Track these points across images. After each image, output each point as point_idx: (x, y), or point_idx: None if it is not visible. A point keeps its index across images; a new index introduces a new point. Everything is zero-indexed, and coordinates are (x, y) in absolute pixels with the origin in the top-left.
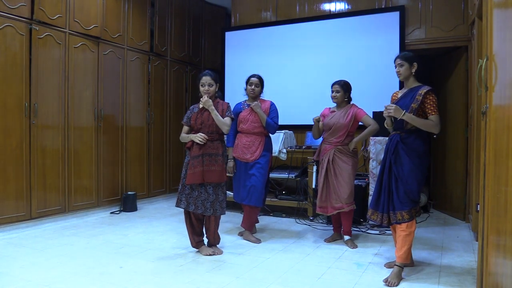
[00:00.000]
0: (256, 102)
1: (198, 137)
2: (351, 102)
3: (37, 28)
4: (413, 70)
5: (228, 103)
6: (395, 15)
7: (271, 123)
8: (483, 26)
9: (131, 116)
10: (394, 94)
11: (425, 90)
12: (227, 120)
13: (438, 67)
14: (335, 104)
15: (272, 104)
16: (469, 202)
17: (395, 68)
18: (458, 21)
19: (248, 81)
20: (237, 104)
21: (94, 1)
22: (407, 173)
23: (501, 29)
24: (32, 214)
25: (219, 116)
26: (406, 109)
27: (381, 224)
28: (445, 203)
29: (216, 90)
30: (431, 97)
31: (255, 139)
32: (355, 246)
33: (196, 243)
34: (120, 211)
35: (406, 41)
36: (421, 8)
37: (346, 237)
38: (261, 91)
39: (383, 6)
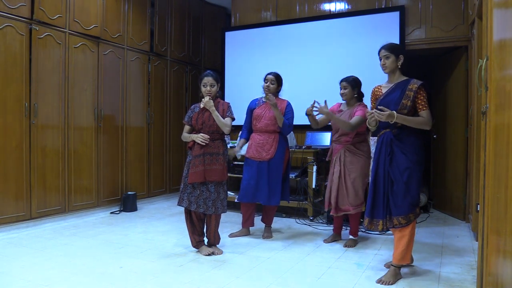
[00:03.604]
0: (272, 97)
1: (199, 138)
2: (363, 100)
3: (37, 28)
4: (399, 63)
5: (229, 103)
6: (395, 15)
7: (286, 124)
8: (483, 26)
9: (131, 116)
10: (377, 89)
11: (416, 85)
12: (228, 120)
13: (438, 67)
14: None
15: (288, 104)
16: (469, 202)
17: (380, 60)
18: (458, 21)
19: (264, 79)
20: (253, 100)
21: (94, 1)
22: (406, 175)
23: (501, 29)
24: (32, 214)
25: (220, 117)
26: (396, 106)
27: (382, 231)
28: (445, 203)
29: (218, 90)
30: (421, 91)
31: (268, 137)
32: (351, 246)
33: (197, 243)
34: (120, 211)
35: (406, 41)
36: (421, 8)
37: (351, 237)
38: (277, 89)
39: (383, 6)
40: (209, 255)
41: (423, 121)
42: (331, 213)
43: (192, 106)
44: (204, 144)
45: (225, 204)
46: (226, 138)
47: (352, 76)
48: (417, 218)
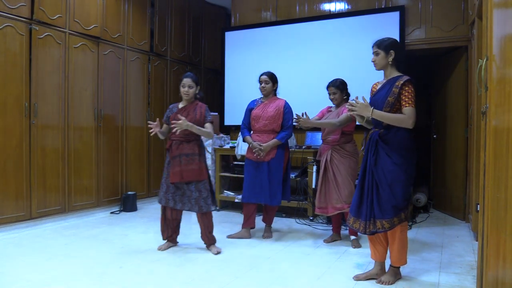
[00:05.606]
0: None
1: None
2: (349, 99)
3: (37, 28)
4: (390, 59)
5: (206, 106)
6: (395, 15)
7: (283, 136)
8: (483, 26)
9: (131, 116)
10: (374, 85)
11: (402, 81)
12: (209, 127)
13: (438, 67)
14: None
15: (286, 105)
16: (469, 202)
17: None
18: (458, 21)
19: (258, 80)
20: (252, 101)
21: (94, 1)
22: (390, 178)
23: (501, 29)
24: (32, 214)
25: (201, 129)
26: (382, 103)
27: (365, 233)
28: (445, 203)
29: (197, 91)
30: (407, 88)
31: (267, 137)
32: (358, 246)
33: (167, 237)
34: (120, 211)
35: (406, 41)
36: (421, 8)
37: (352, 237)
38: (273, 87)
39: (383, 6)
40: (216, 253)
41: (402, 118)
42: (327, 214)
43: (171, 106)
44: (179, 142)
45: (209, 202)
46: (226, 138)
47: (338, 79)
48: (402, 223)
